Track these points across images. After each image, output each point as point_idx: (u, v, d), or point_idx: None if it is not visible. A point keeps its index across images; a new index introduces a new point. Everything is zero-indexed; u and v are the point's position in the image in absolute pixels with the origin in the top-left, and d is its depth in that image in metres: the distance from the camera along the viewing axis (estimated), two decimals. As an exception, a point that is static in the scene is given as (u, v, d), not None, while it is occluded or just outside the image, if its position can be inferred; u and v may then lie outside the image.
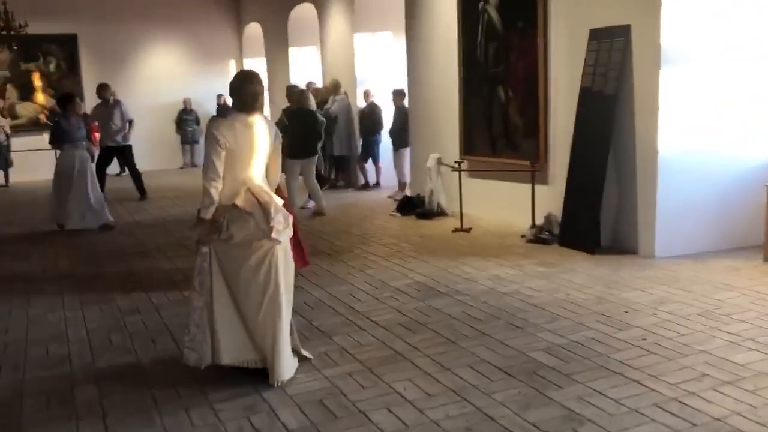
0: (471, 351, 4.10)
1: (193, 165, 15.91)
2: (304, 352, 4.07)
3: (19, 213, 10.52)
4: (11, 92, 14.94)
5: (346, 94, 11.44)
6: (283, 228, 3.75)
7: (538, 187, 7.21)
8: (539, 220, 7.15)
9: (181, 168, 16.20)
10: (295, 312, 4.26)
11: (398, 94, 10.23)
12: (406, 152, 10.13)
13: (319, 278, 5.90)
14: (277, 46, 14.65)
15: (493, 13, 7.77)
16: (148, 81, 16.04)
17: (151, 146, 15.05)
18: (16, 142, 14.26)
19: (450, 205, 8.53)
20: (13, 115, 14.87)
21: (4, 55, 14.79)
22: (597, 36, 6.50)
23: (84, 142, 8.85)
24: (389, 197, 10.08)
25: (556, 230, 6.89)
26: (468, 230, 7.62)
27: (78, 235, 8.40)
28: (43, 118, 15.00)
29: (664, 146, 5.96)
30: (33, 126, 14.95)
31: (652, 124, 5.98)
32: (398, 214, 8.81)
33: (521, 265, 6.04)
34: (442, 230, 7.73)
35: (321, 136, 9.26)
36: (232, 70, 17.07)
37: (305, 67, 13.60)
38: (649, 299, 4.94)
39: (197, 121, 16.23)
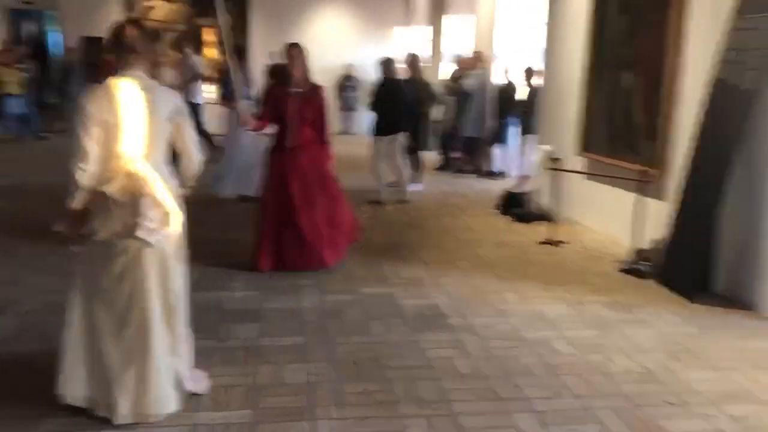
0: (401, 420, 3.02)
1: (349, 133, 15.59)
2: (193, 386, 3.20)
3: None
4: (185, 46, 15.53)
5: (486, 68, 10.21)
6: (157, 227, 2.93)
7: (652, 202, 5.63)
8: (645, 243, 5.60)
9: (336, 134, 15.93)
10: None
11: (529, 73, 8.82)
12: (534, 140, 8.73)
13: (323, 277, 5.04)
14: (437, 12, 13.66)
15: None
16: (312, 44, 15.76)
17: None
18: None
19: (559, 210, 7.12)
20: (185, 70, 15.50)
21: (182, 9, 15.39)
22: (749, 8, 4.75)
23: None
24: (509, 190, 8.78)
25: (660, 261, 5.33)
26: (557, 244, 6.23)
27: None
28: (213, 73, 15.47)
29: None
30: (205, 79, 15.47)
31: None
32: (497, 212, 7.58)
33: (583, 303, 4.67)
34: (527, 240, 6.41)
35: (412, 110, 8.13)
36: (396, 37, 16.41)
37: (459, 37, 12.47)
38: (720, 389, 3.43)
39: (357, 88, 15.87)
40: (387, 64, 7.96)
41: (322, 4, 15.90)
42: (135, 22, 3.10)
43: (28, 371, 3.40)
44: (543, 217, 7.12)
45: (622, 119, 6.31)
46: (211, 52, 15.62)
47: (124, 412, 2.92)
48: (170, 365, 3.05)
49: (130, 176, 2.94)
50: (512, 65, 9.66)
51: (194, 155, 3.20)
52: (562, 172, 6.83)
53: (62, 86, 14.03)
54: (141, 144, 2.97)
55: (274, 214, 5.18)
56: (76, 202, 2.94)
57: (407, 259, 5.64)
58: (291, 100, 5.15)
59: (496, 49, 10.11)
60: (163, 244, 2.99)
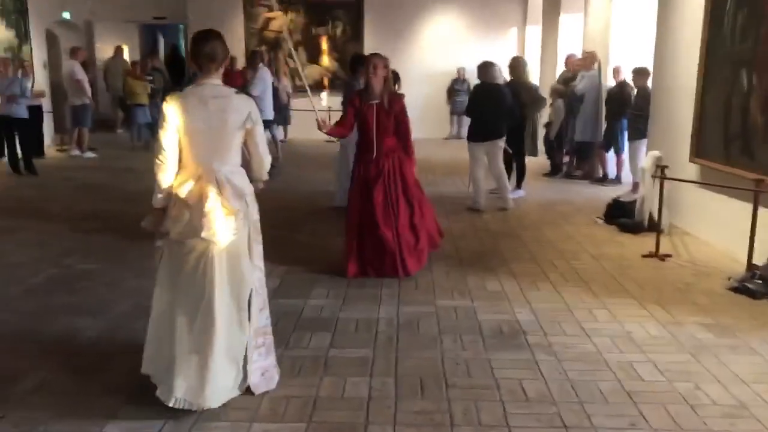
0: None
1: (459, 137, 15.41)
2: (257, 385, 3.30)
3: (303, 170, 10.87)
4: (300, 55, 15.99)
5: (599, 69, 9.73)
6: (222, 227, 3.08)
7: (770, 214, 5.13)
8: (761, 259, 5.09)
9: (445, 139, 15.82)
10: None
11: (639, 73, 8.29)
12: (643, 144, 8.22)
13: (406, 286, 4.96)
14: (552, 11, 13.22)
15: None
16: (425, 48, 15.86)
17: (421, 114, 14.88)
18: (297, 103, 15.25)
19: (669, 220, 6.65)
20: (300, 77, 15.98)
21: (300, 19, 15.86)
22: None
23: None
24: (615, 198, 8.31)
25: (777, 279, 4.83)
26: (662, 257, 5.80)
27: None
28: (326, 81, 15.87)
29: None
30: (317, 88, 15.88)
31: None
32: (601, 221, 7.18)
33: (681, 324, 4.29)
34: (630, 252, 6.01)
35: (512, 115, 7.83)
36: (512, 38, 16.06)
37: (573, 37, 11.98)
38: (826, 430, 3.02)
39: (469, 92, 15.63)
40: (483, 67, 7.78)
41: (435, 7, 15.85)
42: (215, 33, 3.24)
43: (102, 371, 3.57)
44: (651, 227, 6.67)
45: (738, 122, 5.78)
46: (325, 61, 16.01)
47: (179, 395, 3.03)
48: (235, 360, 3.17)
49: (200, 179, 3.10)
50: (624, 65, 9.12)
51: (263, 160, 3.36)
52: (678, 177, 6.36)
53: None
54: (213, 149, 3.13)
55: (358, 221, 5.30)
56: (158, 202, 3.17)
57: (496, 270, 5.44)
58: (371, 110, 5.22)
59: (610, 48, 9.59)
60: (229, 243, 3.11)
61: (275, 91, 11.57)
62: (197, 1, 15.65)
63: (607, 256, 5.89)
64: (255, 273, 3.26)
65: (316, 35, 15.93)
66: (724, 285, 5.04)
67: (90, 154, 12.28)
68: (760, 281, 4.88)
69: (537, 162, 10.64)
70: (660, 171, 6.55)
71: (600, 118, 9.65)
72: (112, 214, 7.45)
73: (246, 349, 3.22)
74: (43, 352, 3.80)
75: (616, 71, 9.23)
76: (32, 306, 4.59)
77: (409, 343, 3.99)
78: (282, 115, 14.91)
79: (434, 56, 15.84)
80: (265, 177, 3.46)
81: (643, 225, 6.71)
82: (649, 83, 8.12)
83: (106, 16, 16.19)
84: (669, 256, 5.85)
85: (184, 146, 3.13)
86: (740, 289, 4.90)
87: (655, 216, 6.66)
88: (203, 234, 3.04)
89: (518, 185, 8.72)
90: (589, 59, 9.67)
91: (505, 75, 8.74)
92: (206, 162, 3.12)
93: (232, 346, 3.16)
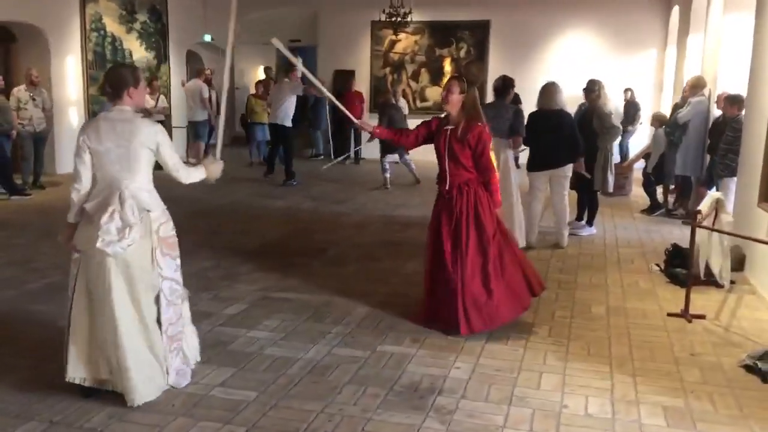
0: None
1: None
2: (175, 380, 3.64)
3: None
4: (423, 76, 15.92)
5: (708, 95, 8.62)
6: (114, 239, 3.33)
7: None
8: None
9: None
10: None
11: (731, 102, 7.18)
12: (732, 184, 7.10)
13: (344, 327, 4.59)
14: (683, 30, 11.99)
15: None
16: (554, 69, 15.06)
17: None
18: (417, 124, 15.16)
19: (746, 274, 5.70)
20: (423, 98, 15.89)
21: (424, 40, 15.78)
22: None
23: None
24: (674, 244, 7.22)
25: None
26: (691, 318, 4.91)
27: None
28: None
29: None
30: (437, 109, 15.70)
31: None
32: (657, 269, 6.28)
33: (640, 402, 3.56)
34: (659, 309, 5.17)
35: (574, 143, 7.03)
36: (651, 59, 14.77)
37: (696, 59, 10.75)
38: None
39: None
40: (541, 92, 7.17)
41: (563, 28, 15.01)
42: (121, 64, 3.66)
43: None
44: (711, 281, 5.73)
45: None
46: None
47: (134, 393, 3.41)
48: (148, 360, 3.49)
49: (106, 195, 3.42)
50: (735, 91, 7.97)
51: (176, 173, 3.65)
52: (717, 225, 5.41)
53: (312, 115, 15.43)
54: (120, 167, 3.45)
55: (429, 261, 4.77)
56: (71, 218, 3.54)
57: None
58: (443, 136, 4.69)
59: (719, 73, 8.45)
60: (128, 253, 3.37)
61: (394, 113, 11.36)
62: (328, 25, 16.18)
63: (625, 312, 5.11)
64: (164, 283, 3.53)
65: (440, 56, 15.78)
66: (740, 361, 4.15)
67: (203, 167, 13.08)
68: (780, 361, 3.95)
69: (642, 196, 9.66)
70: (714, 215, 5.65)
71: (703, 150, 8.52)
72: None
73: (162, 350, 3.55)
74: None
75: (720, 99, 8.10)
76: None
77: (304, 390, 3.69)
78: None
79: (564, 78, 14.96)
80: (187, 181, 3.73)
81: (698, 277, 5.77)
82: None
83: (246, 39, 17.21)
84: (702, 317, 4.95)
85: (96, 165, 3.46)
86: (753, 368, 4.01)
87: (715, 269, 5.74)
88: (98, 244, 3.29)
89: (589, 222, 7.92)
90: (694, 84, 8.58)
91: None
92: (115, 179, 3.43)
93: (139, 345, 3.45)
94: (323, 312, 4.95)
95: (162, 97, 12.77)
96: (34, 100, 10.02)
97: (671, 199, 9.32)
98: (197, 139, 13.29)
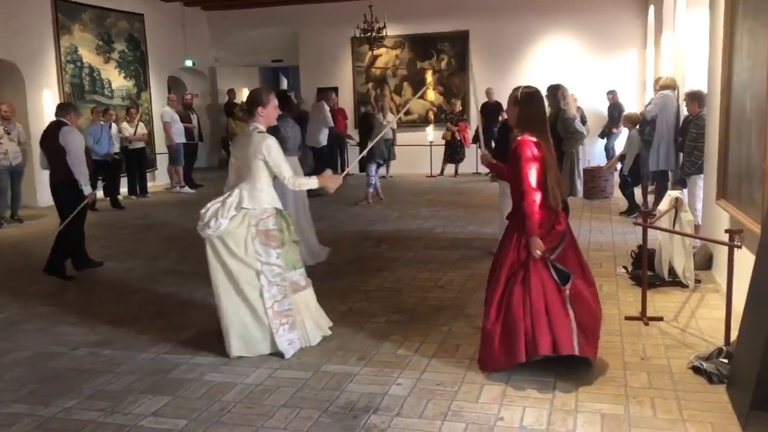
0: None
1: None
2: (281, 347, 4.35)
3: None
4: (406, 90, 15.90)
5: (667, 93, 8.50)
6: (209, 222, 4.25)
7: None
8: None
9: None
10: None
11: (691, 98, 7.10)
12: (700, 181, 7.00)
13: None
14: (657, 29, 11.95)
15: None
16: (534, 76, 15.01)
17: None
18: (402, 137, 15.06)
19: (714, 273, 5.59)
20: (406, 112, 15.83)
21: (404, 54, 15.78)
22: None
23: None
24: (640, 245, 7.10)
25: (746, 361, 3.77)
26: (648, 321, 4.82)
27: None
28: (431, 114, 15.64)
29: None
30: (422, 122, 15.69)
31: None
32: (624, 271, 6.18)
33: (579, 411, 3.47)
34: (618, 312, 5.08)
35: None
36: (633, 59, 14.71)
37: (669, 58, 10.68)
38: None
39: (583, 121, 14.49)
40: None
41: (541, 34, 14.99)
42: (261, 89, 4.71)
43: None
44: (675, 281, 5.64)
45: (746, 158, 4.71)
46: (430, 95, 15.74)
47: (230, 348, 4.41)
48: (244, 323, 4.33)
49: (229, 193, 4.40)
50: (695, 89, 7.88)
51: (283, 179, 4.47)
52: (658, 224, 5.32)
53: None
54: (240, 173, 4.48)
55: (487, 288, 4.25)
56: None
57: (431, 331, 4.83)
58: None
59: (686, 69, 8.37)
60: (223, 236, 4.25)
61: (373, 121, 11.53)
62: (309, 44, 16.21)
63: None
64: (264, 266, 4.28)
65: (421, 69, 15.77)
66: (688, 363, 4.05)
67: (187, 189, 13.10)
68: (726, 361, 3.85)
69: (623, 199, 9.54)
70: (674, 214, 5.57)
71: (676, 145, 8.41)
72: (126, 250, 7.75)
73: (269, 322, 4.31)
74: None
75: (688, 96, 8.00)
76: None
77: (237, 415, 3.62)
78: (388, 150, 14.81)
79: (546, 83, 14.92)
80: (295, 187, 4.55)
81: (662, 277, 5.69)
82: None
83: (228, 62, 17.30)
84: (659, 319, 4.86)
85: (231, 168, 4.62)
86: (699, 369, 3.91)
87: (678, 268, 5.65)
88: (198, 229, 4.31)
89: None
90: (663, 85, 8.50)
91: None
92: (237, 181, 4.45)
93: (239, 312, 4.31)
94: (274, 333, 4.88)
95: (141, 124, 12.79)
96: (8, 134, 10.07)
97: (651, 199, 9.23)
98: (173, 163, 13.31)
